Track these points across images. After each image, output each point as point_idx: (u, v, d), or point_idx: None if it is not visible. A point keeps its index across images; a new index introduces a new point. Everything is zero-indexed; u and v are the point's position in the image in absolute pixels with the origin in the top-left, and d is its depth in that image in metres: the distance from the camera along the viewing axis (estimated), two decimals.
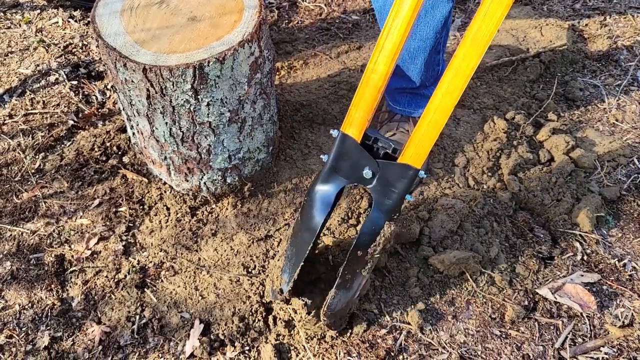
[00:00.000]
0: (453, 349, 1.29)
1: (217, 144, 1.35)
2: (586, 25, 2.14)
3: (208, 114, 1.26)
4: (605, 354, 1.29)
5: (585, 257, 1.47)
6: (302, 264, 1.16)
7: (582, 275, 1.43)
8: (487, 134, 1.70)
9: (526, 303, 1.38)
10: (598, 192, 1.58)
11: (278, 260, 1.33)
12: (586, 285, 1.41)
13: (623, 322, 1.35)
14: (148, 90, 1.21)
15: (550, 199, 1.55)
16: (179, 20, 1.25)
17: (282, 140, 1.61)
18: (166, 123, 1.29)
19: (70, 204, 1.50)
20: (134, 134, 1.44)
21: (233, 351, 1.27)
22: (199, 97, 1.22)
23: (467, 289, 1.40)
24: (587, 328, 1.34)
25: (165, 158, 1.40)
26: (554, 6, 2.23)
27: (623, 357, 1.29)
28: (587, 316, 1.36)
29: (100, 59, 1.86)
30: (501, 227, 1.50)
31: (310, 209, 1.16)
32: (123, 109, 1.39)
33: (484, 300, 1.38)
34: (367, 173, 1.08)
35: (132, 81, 1.21)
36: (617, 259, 1.46)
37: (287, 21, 2.13)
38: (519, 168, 1.62)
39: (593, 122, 1.80)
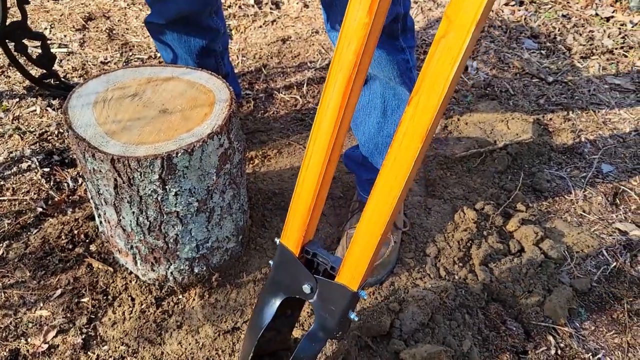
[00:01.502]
0: None
1: (184, 233, 1.34)
2: (550, 119, 2.23)
3: (176, 204, 1.26)
4: None
5: (559, 352, 1.44)
6: None
7: None
8: (457, 223, 1.71)
9: None
10: (569, 283, 1.58)
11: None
12: None
13: None
14: (115, 180, 1.21)
15: (521, 290, 1.54)
16: (151, 112, 1.28)
17: (252, 229, 1.60)
18: (133, 212, 1.28)
19: (31, 294, 1.45)
20: (101, 222, 1.43)
21: None
22: (166, 187, 1.22)
23: None
24: None
25: (132, 247, 1.38)
26: (519, 101, 2.33)
27: None
28: None
29: None
30: (473, 320, 1.47)
31: (254, 316, 1.15)
32: (91, 198, 1.39)
33: None
34: (306, 288, 1.04)
35: (100, 171, 1.21)
36: (591, 354, 1.44)
37: (262, 111, 2.19)
38: (490, 258, 1.62)
39: (561, 213, 1.83)
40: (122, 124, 1.25)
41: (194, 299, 1.46)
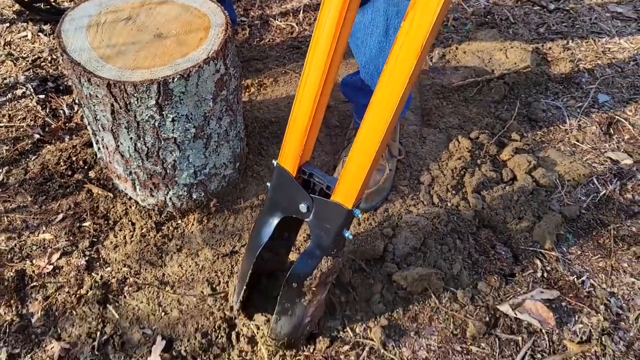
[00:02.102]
0: None
1: (182, 159, 1.35)
2: (549, 48, 2.20)
3: (173, 130, 1.27)
4: None
5: (545, 274, 1.50)
6: (244, 287, 1.22)
7: (542, 292, 1.46)
8: (452, 152, 1.73)
9: (487, 319, 1.39)
10: (558, 210, 1.62)
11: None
12: (546, 301, 1.44)
13: (581, 338, 1.38)
14: (112, 105, 1.21)
15: (512, 217, 1.59)
16: (145, 36, 1.27)
17: (249, 157, 1.62)
18: (131, 138, 1.29)
19: (33, 218, 1.49)
20: (99, 148, 1.44)
21: None
22: (163, 113, 1.22)
23: (429, 305, 1.41)
24: (546, 344, 1.37)
25: (130, 173, 1.40)
26: (519, 30, 2.29)
27: None
28: (546, 332, 1.38)
29: None
30: (464, 245, 1.52)
31: (252, 237, 1.18)
32: (88, 124, 1.39)
33: (447, 316, 1.40)
34: (302, 207, 1.07)
35: (97, 96, 1.21)
36: (576, 276, 1.50)
37: (258, 39, 2.15)
38: (482, 186, 1.65)
39: (555, 142, 1.85)
40: (116, 48, 1.24)
41: (192, 224, 1.50)
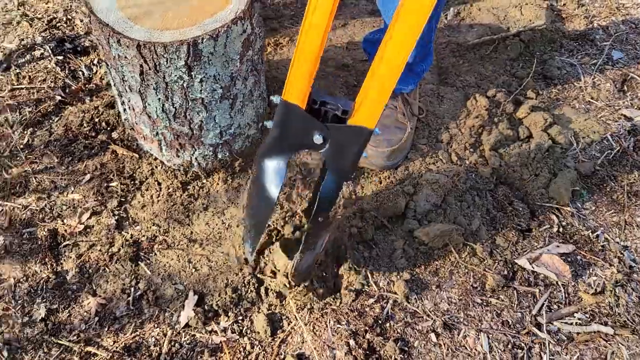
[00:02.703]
0: (437, 317, 1.36)
1: (209, 120, 1.37)
2: (564, 4, 2.19)
3: (201, 90, 1.29)
4: (579, 319, 1.37)
5: (561, 229, 1.54)
6: (262, 235, 1.18)
7: (558, 246, 1.50)
8: (469, 111, 1.75)
9: (505, 273, 1.45)
10: (574, 167, 1.65)
11: (238, 227, 1.38)
12: (562, 255, 1.48)
13: (595, 289, 1.43)
14: (141, 66, 1.22)
15: (528, 173, 1.62)
16: None
17: (271, 116, 1.63)
18: (159, 99, 1.30)
19: (61, 179, 1.51)
20: (125, 110, 1.46)
21: (227, 321, 1.32)
22: (192, 73, 1.24)
23: (450, 260, 1.46)
24: (562, 296, 1.42)
25: (157, 134, 1.42)
26: None
27: (595, 322, 1.37)
28: (562, 284, 1.43)
29: (85, 33, 1.85)
30: (482, 201, 1.56)
31: (263, 181, 1.11)
32: (114, 85, 1.40)
33: (466, 270, 1.45)
34: (317, 139, 1.02)
35: (126, 57, 1.22)
36: (590, 231, 1.54)
37: None
38: (500, 144, 1.68)
39: (570, 100, 1.87)
40: (143, 8, 1.24)
41: (217, 183, 1.53)
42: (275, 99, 1.04)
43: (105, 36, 1.21)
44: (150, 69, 1.22)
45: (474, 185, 1.58)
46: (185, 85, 1.26)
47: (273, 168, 1.09)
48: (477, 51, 1.96)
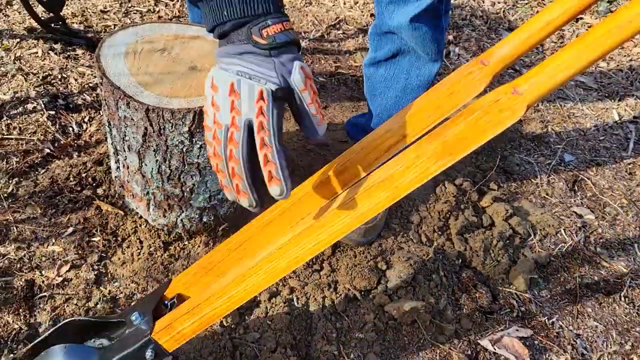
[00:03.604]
0: None
1: (201, 184, 1.44)
2: None
3: (198, 156, 1.36)
4: None
5: (520, 314, 1.64)
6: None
7: (517, 330, 1.60)
8: (438, 196, 1.88)
9: (469, 352, 1.52)
10: (531, 257, 1.78)
11: None
12: (521, 339, 1.57)
13: None
14: (146, 128, 1.30)
15: (490, 259, 1.74)
16: (180, 68, 1.36)
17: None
18: (156, 160, 1.37)
19: (43, 230, 1.52)
20: (118, 167, 1.51)
21: None
22: (193, 139, 1.31)
23: (417, 336, 1.52)
24: None
25: (148, 193, 1.47)
26: (494, 88, 2.51)
27: None
28: None
29: (78, 92, 1.91)
30: (449, 282, 1.65)
31: None
32: (112, 143, 1.46)
33: (433, 347, 1.51)
34: (133, 316, 1.10)
35: (132, 119, 1.29)
36: (546, 317, 1.65)
37: None
38: (465, 229, 1.80)
39: (527, 194, 2.04)
40: (153, 76, 1.33)
41: (199, 246, 1.57)
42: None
43: (115, 98, 1.28)
44: (154, 132, 1.29)
45: (442, 266, 1.68)
46: (185, 149, 1.33)
47: None
48: None
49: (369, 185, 0.93)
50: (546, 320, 1.64)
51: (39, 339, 1.14)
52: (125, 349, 1.06)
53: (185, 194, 1.45)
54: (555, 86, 0.79)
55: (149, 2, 2.50)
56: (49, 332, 1.14)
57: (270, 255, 0.98)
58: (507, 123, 0.82)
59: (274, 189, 0.81)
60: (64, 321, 1.15)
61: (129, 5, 2.44)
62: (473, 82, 0.93)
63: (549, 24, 0.90)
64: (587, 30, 3.04)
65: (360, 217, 0.91)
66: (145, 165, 1.39)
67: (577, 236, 1.90)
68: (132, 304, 1.21)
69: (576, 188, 2.11)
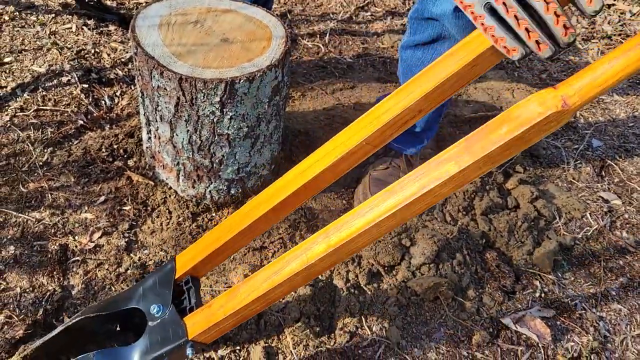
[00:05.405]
0: None
1: (230, 155, 1.46)
2: None
3: (228, 127, 1.38)
4: None
5: (543, 295, 1.64)
6: None
7: (540, 310, 1.60)
8: None
9: (491, 330, 1.53)
10: (556, 239, 1.77)
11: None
12: (543, 318, 1.58)
13: (572, 355, 1.52)
14: (178, 98, 1.32)
15: (515, 240, 1.74)
16: (213, 40, 1.39)
17: (282, 162, 1.73)
18: (187, 130, 1.40)
19: (76, 198, 1.57)
20: (149, 138, 1.54)
21: (225, 349, 1.36)
22: (224, 110, 1.34)
23: (439, 312, 1.54)
24: (541, 357, 1.50)
25: (178, 163, 1.50)
26: (523, 73, 2.49)
27: None
28: (542, 346, 1.52)
29: (111, 67, 1.95)
30: (472, 261, 1.66)
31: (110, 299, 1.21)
32: (144, 114, 1.49)
33: (454, 324, 1.52)
34: (154, 309, 1.09)
35: (165, 89, 1.32)
36: (569, 299, 1.64)
37: None
38: (490, 210, 1.80)
39: (553, 178, 2.02)
40: (186, 47, 1.35)
41: (226, 217, 1.60)
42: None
43: (149, 68, 1.31)
44: (186, 102, 1.32)
45: (465, 245, 1.68)
46: (215, 120, 1.36)
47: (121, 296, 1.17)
48: (472, 124, 2.12)
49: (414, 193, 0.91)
50: (569, 302, 1.64)
51: (48, 336, 1.16)
52: (158, 348, 1.04)
53: (214, 165, 1.48)
54: (603, 92, 0.77)
55: None
56: (58, 330, 1.16)
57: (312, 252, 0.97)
58: (552, 131, 0.80)
59: (570, 37, 0.78)
60: (73, 319, 1.16)
61: None
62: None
63: None
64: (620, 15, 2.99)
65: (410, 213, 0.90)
66: (177, 135, 1.42)
67: (602, 220, 1.89)
68: (139, 282, 1.19)
69: (603, 173, 2.09)
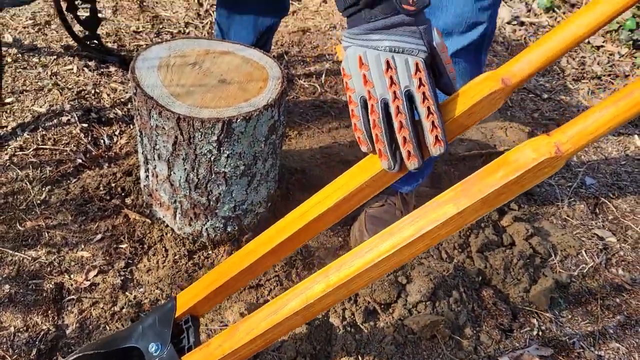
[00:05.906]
0: None
1: (226, 193, 1.48)
2: (543, 132, 2.43)
3: (225, 165, 1.40)
4: None
5: (540, 333, 1.64)
6: None
7: (538, 349, 1.59)
8: None
9: None
10: (552, 276, 1.77)
11: None
12: (541, 357, 1.57)
13: None
14: (176, 137, 1.35)
15: (511, 277, 1.74)
16: (211, 81, 1.42)
17: (278, 199, 1.75)
18: (185, 169, 1.42)
19: (73, 236, 1.57)
20: (147, 176, 1.56)
21: None
22: (221, 148, 1.36)
23: (437, 351, 1.53)
24: None
25: (175, 201, 1.51)
26: (516, 113, 2.54)
27: None
28: None
29: (110, 106, 1.98)
30: (468, 299, 1.66)
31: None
32: (142, 153, 1.52)
33: None
34: (152, 347, 1.09)
35: (163, 128, 1.35)
36: (567, 337, 1.64)
37: None
38: (485, 248, 1.81)
39: (548, 215, 2.04)
40: (185, 88, 1.39)
41: (222, 255, 1.60)
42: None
43: (148, 107, 1.34)
44: (184, 141, 1.35)
45: (462, 283, 1.68)
46: (212, 158, 1.38)
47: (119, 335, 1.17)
48: (467, 162, 2.15)
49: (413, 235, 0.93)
50: (567, 340, 1.63)
51: None
52: None
53: (211, 202, 1.49)
54: (595, 140, 0.79)
55: (179, 24, 2.60)
56: None
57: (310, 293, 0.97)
58: (547, 176, 0.83)
59: (437, 149, 0.87)
60: (71, 357, 1.15)
61: (161, 26, 2.54)
62: (493, 102, 0.93)
63: (567, 39, 0.91)
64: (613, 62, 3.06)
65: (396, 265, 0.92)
66: (174, 173, 1.44)
67: (598, 258, 1.90)
68: (139, 319, 1.17)
69: (597, 211, 2.11)
